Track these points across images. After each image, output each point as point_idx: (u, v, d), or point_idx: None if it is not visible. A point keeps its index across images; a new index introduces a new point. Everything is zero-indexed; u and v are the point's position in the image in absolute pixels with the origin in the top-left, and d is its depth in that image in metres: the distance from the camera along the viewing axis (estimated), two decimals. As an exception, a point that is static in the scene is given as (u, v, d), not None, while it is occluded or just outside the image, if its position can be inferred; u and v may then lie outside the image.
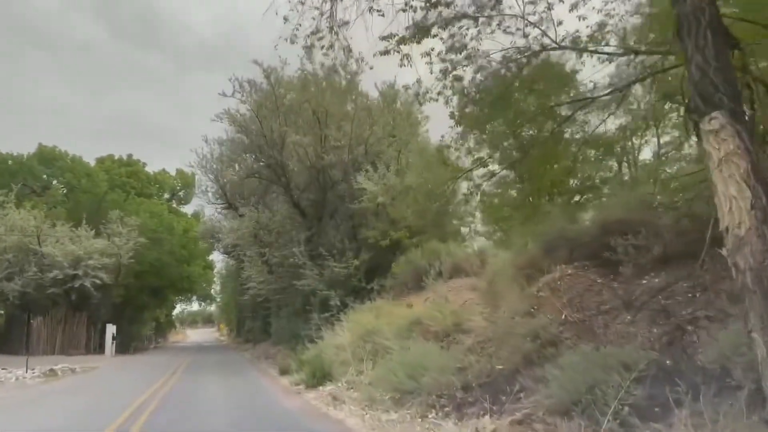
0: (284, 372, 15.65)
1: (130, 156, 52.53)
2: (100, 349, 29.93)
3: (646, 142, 13.69)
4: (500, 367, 7.10)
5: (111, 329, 29.02)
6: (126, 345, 39.40)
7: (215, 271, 60.93)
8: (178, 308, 77.82)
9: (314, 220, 20.48)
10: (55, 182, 43.37)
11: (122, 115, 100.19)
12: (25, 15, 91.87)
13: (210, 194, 26.54)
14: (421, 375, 8.04)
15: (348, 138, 18.53)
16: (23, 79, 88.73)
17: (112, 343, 29.31)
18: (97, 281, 28.39)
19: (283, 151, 19.18)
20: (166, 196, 56.17)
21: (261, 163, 20.17)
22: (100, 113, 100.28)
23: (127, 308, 41.06)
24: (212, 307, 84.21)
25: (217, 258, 56.19)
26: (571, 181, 12.37)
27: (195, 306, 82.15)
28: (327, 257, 18.72)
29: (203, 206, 27.23)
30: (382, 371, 9.41)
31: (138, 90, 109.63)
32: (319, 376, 11.46)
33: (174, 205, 55.64)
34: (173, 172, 55.79)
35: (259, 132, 19.12)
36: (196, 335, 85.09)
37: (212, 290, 68.49)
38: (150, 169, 52.61)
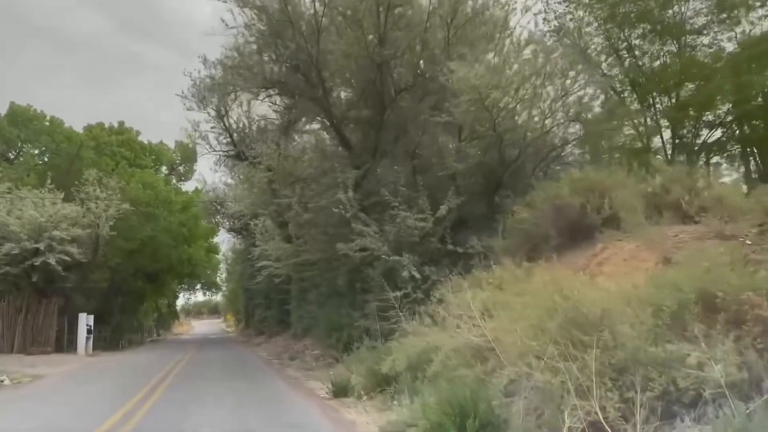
0: (341, 392, 8.89)
1: (121, 123, 45.64)
2: (76, 344, 23.37)
3: None
4: None
5: (85, 320, 22.36)
6: (116, 339, 33.12)
7: (220, 254, 54.53)
8: (182, 298, 71.95)
9: (366, 153, 13.59)
10: (31, 148, 36.71)
11: (122, 108, 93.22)
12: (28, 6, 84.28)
13: (210, 137, 19.65)
14: None
15: (424, 13, 11.57)
16: (23, 73, 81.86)
17: (88, 337, 22.69)
18: (66, 258, 21.64)
19: (320, 42, 12.25)
20: (164, 170, 49.22)
21: (286, 66, 13.19)
22: (101, 105, 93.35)
23: (118, 296, 34.56)
24: (218, 297, 78.19)
25: (222, 239, 49.91)
26: None
27: (200, 296, 76.19)
28: (394, 205, 11.87)
29: (204, 154, 20.11)
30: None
31: (139, 81, 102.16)
32: (475, 428, 4.62)
33: (174, 182, 48.73)
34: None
35: (282, 13, 12.20)
36: (201, 326, 79.08)
37: (218, 278, 62.22)
38: (145, 138, 45.78)
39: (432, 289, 11.23)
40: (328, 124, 13.67)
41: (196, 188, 46.32)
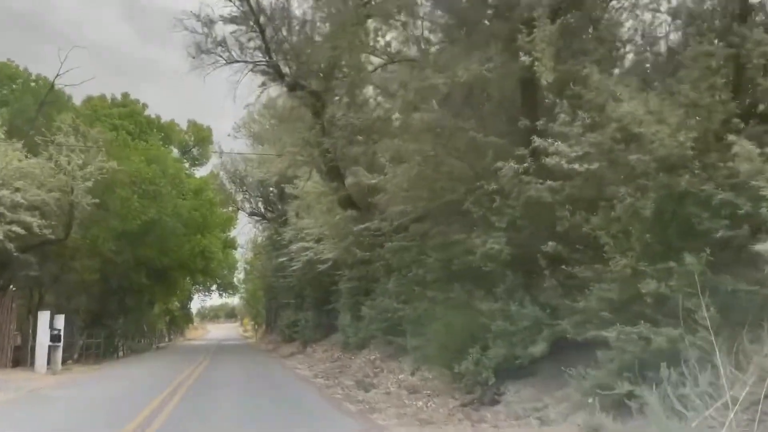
0: None
1: (126, 95, 39.15)
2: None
3: None
4: None
5: (47, 322, 15.45)
6: (112, 346, 26.62)
7: (238, 250, 47.59)
8: (197, 301, 65.63)
9: None
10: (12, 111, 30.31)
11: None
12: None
13: (230, 42, 12.62)
14: None
15: None
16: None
17: (54, 346, 15.80)
18: (20, 231, 14.76)
19: None
20: (175, 150, 42.40)
21: None
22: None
23: (118, 294, 27.83)
24: (235, 299, 72.02)
25: (240, 230, 43.17)
26: None
27: (216, 299, 70.07)
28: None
29: (222, 65, 12.94)
30: None
31: (155, 87, 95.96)
32: None
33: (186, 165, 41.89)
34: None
35: None
36: (216, 331, 73.04)
37: (235, 278, 55.50)
38: (152, 112, 39.14)
39: None
40: None
41: (212, 172, 39.88)
